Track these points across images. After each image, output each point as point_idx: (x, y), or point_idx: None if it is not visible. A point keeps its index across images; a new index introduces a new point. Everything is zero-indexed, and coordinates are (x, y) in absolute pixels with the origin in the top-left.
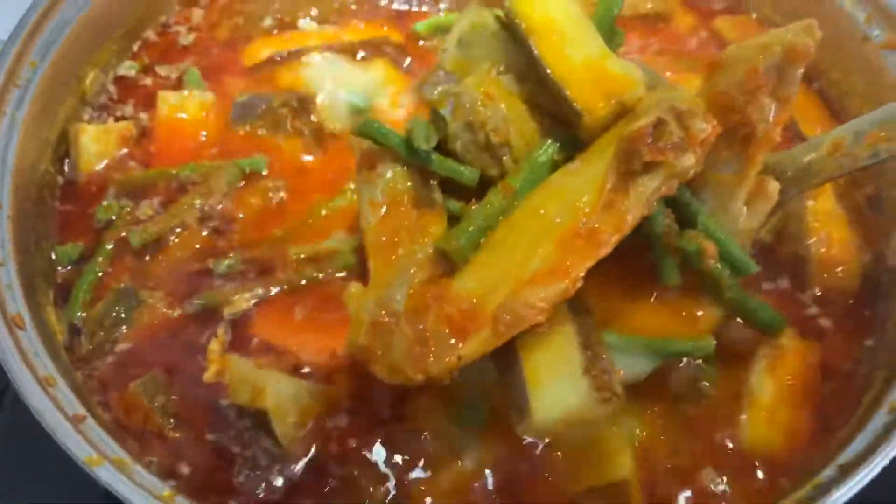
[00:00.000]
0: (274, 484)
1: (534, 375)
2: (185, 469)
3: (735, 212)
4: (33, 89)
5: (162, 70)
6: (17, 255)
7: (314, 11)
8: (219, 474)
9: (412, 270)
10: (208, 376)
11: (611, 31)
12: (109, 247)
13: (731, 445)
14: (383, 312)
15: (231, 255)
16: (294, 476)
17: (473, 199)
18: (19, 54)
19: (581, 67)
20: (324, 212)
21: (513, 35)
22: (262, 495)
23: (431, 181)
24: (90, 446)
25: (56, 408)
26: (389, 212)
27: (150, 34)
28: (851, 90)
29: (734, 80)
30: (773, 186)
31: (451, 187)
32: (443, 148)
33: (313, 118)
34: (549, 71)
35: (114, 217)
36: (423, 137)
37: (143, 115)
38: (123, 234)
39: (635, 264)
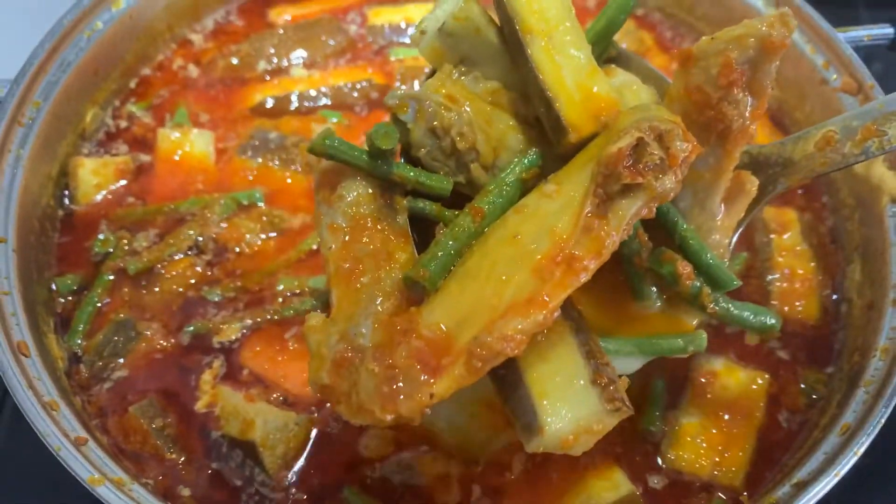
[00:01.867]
0: None
1: (540, 389)
2: (184, 491)
3: (713, 209)
4: (36, 128)
5: (157, 108)
6: (20, 286)
7: (304, 53)
8: (216, 497)
9: (378, 300)
10: (200, 406)
11: (607, 40)
12: (108, 277)
13: (662, 465)
14: (347, 347)
15: (224, 282)
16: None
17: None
18: (24, 94)
19: (573, 81)
20: (314, 246)
21: (505, 35)
22: None
23: (396, 203)
24: (92, 467)
25: (59, 431)
26: (352, 236)
27: (147, 72)
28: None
29: (708, 74)
30: (752, 182)
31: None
32: (408, 157)
33: None
34: (540, 78)
35: (111, 249)
36: (381, 135)
37: (142, 153)
38: (121, 264)
39: (618, 276)
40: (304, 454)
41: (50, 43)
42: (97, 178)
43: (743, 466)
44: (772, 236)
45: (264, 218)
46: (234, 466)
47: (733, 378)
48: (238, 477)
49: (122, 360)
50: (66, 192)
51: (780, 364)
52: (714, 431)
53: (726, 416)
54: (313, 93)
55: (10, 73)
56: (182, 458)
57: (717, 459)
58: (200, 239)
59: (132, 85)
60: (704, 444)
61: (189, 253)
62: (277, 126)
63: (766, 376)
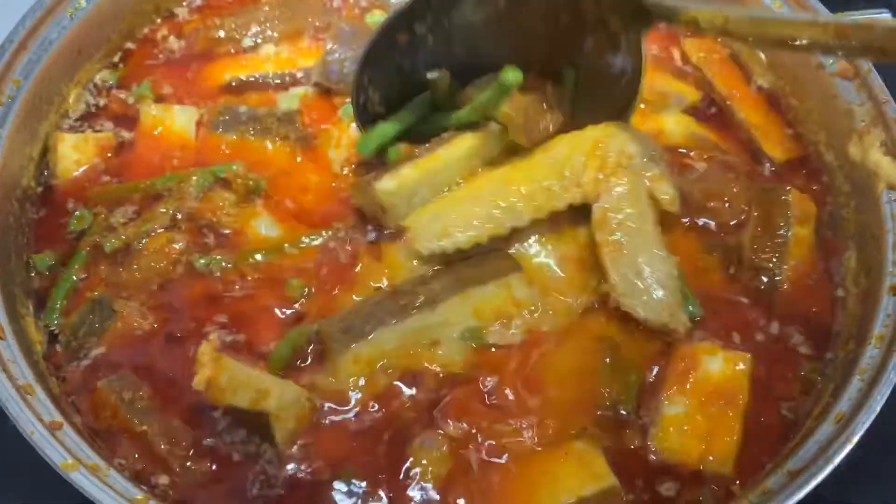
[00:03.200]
0: (269, 488)
1: None
2: (161, 479)
3: None
4: (16, 107)
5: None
6: None
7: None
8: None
9: None
10: (199, 381)
11: None
12: (84, 252)
13: (653, 458)
14: None
15: (214, 254)
16: (288, 482)
17: None
18: (3, 72)
19: None
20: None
21: None
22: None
23: None
24: (66, 452)
25: (33, 415)
26: None
27: (130, 45)
28: (807, 116)
29: None
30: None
31: None
32: None
33: (298, 126)
34: None
35: (87, 227)
36: None
37: (124, 130)
38: (98, 240)
39: None
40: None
41: (31, 20)
42: (77, 153)
43: (732, 453)
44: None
45: (246, 185)
46: (237, 442)
47: (715, 361)
48: (239, 453)
49: (98, 340)
50: (46, 168)
51: (775, 350)
52: (699, 418)
53: (710, 402)
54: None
55: None
56: (154, 431)
57: (704, 447)
58: (179, 216)
59: (115, 59)
60: (690, 432)
61: (167, 228)
62: (244, 101)
63: (749, 357)
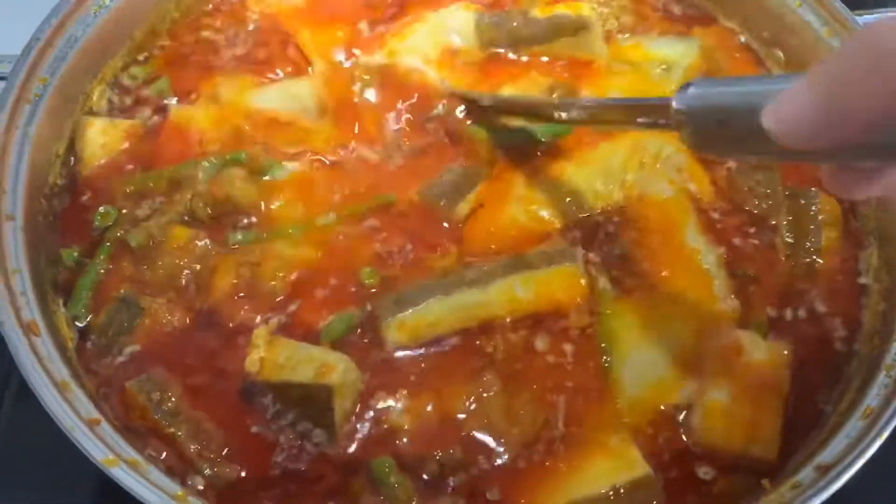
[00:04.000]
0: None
1: None
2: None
3: None
4: (44, 104)
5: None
6: (29, 265)
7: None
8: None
9: None
10: (250, 364)
11: None
12: (107, 245)
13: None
14: None
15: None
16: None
17: None
18: (30, 70)
19: None
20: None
21: None
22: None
23: None
24: (106, 448)
25: (72, 411)
26: None
27: (156, 50)
28: None
29: None
30: None
31: None
32: None
33: None
34: None
35: (111, 223)
36: None
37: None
38: (120, 234)
39: None
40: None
41: (56, 18)
42: (105, 138)
43: (776, 440)
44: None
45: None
46: (285, 426)
47: (758, 349)
48: (286, 437)
49: (128, 338)
50: (72, 158)
51: (805, 339)
52: (743, 404)
53: (753, 389)
54: None
55: (16, 49)
56: (183, 433)
57: (748, 433)
58: (200, 203)
59: (141, 58)
60: (734, 418)
61: (185, 219)
62: None
63: (790, 346)
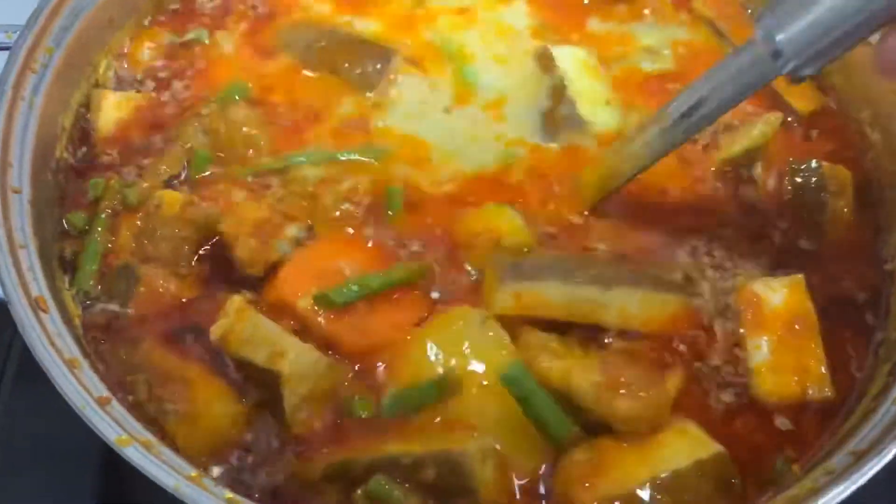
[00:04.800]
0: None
1: None
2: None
3: None
4: (49, 75)
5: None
6: (35, 240)
7: None
8: None
9: None
10: (215, 329)
11: None
12: (103, 216)
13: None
14: None
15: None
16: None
17: None
18: (36, 39)
19: None
20: None
21: None
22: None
23: None
24: (119, 427)
25: (84, 389)
26: None
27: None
28: (851, 92)
29: None
30: None
31: None
32: None
33: None
34: None
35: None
36: None
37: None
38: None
39: None
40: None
41: None
42: (119, 112)
43: (826, 375)
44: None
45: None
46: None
47: (774, 291)
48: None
49: (125, 306)
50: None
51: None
52: (784, 350)
53: (787, 331)
54: None
55: (20, 19)
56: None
57: (797, 378)
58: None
59: (146, 22)
60: (782, 367)
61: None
62: None
63: (801, 276)
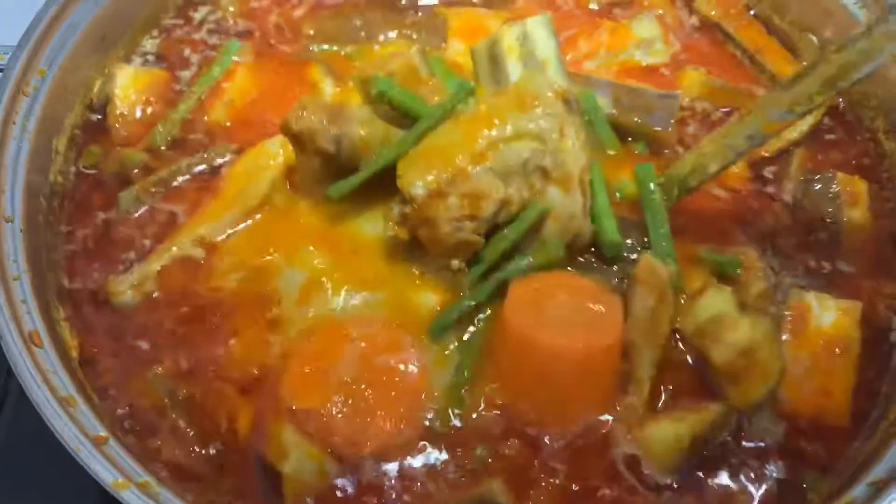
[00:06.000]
0: None
1: None
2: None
3: None
4: (42, 98)
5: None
6: (30, 270)
7: None
8: None
9: None
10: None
11: None
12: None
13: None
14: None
15: None
16: None
17: None
18: (28, 61)
19: None
20: None
21: None
22: None
23: None
24: (116, 469)
25: (78, 429)
26: None
27: (152, 39)
28: (864, 101)
29: None
30: None
31: None
32: None
33: None
34: None
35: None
36: None
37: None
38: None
39: None
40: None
41: (55, 6)
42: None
43: (848, 404)
44: (842, 207)
45: None
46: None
47: (826, 310)
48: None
49: None
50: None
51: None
52: (814, 368)
53: (825, 352)
54: None
55: (12, 41)
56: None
57: (821, 399)
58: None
59: (144, 48)
60: (807, 383)
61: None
62: None
63: (860, 304)
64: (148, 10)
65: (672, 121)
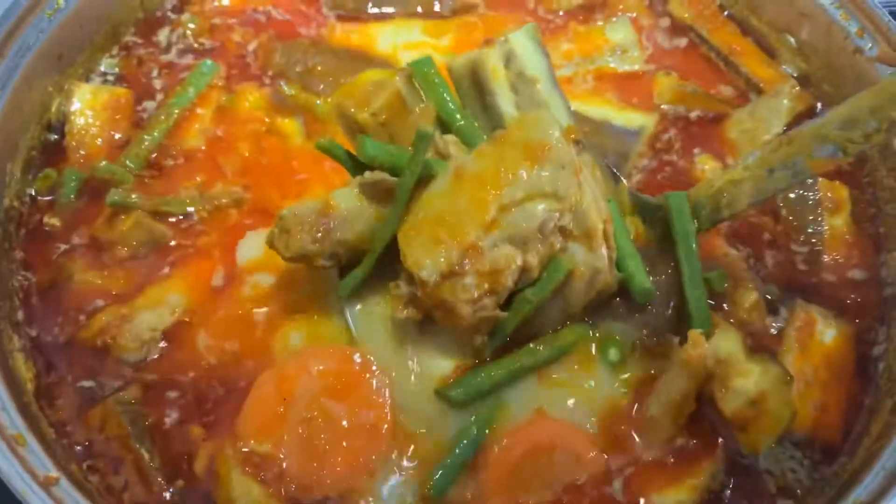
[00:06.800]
0: None
1: None
2: None
3: None
4: None
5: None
6: None
7: None
8: None
9: None
10: (199, 468)
11: None
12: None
13: None
14: None
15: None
16: None
17: None
18: None
19: None
20: None
21: None
22: None
23: None
24: None
25: (25, 471)
26: None
27: (111, 58)
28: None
29: None
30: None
31: None
32: None
33: None
34: None
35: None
36: None
37: None
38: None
39: None
40: None
41: (6, 25)
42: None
43: (840, 423)
44: (823, 215)
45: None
46: None
47: (829, 327)
48: None
49: None
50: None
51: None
52: (812, 385)
53: (825, 367)
54: None
55: None
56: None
57: (815, 415)
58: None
59: (102, 68)
60: (804, 399)
61: None
62: None
63: (855, 323)
64: (106, 28)
65: (629, 161)
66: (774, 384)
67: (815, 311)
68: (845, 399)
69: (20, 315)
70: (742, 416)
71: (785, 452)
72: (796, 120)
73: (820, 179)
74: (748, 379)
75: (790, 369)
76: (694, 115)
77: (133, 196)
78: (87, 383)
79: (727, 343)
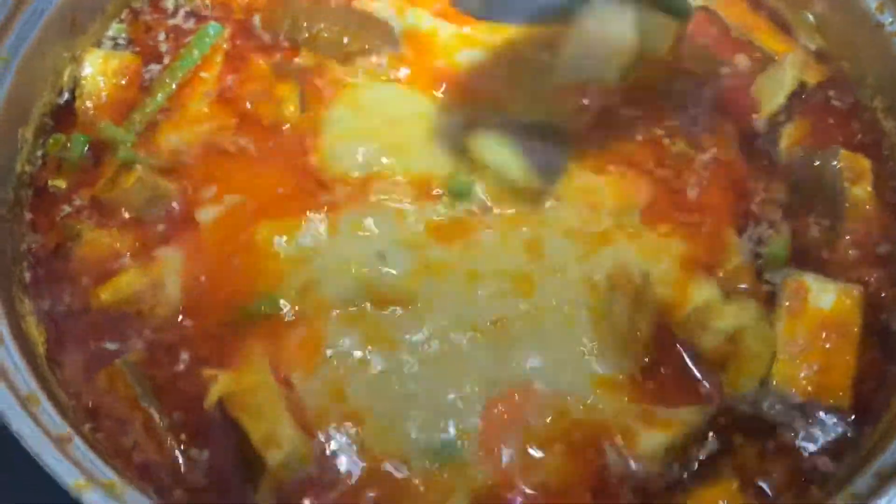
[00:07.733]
0: None
1: None
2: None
3: None
4: (7, 87)
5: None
6: None
7: None
8: None
9: None
10: (209, 402)
11: None
12: None
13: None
14: None
15: None
16: None
17: None
18: None
19: None
20: None
21: None
22: None
23: None
24: (78, 470)
25: (40, 430)
26: None
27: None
28: (861, 80)
29: None
30: None
31: None
32: None
33: None
34: None
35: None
36: None
37: None
38: None
39: None
40: None
41: None
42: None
43: (848, 386)
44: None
45: None
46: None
47: (826, 292)
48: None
49: None
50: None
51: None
52: (812, 348)
53: (823, 331)
54: None
55: None
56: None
57: (816, 379)
58: None
59: (110, 33)
60: (804, 362)
61: None
62: None
63: (860, 288)
64: None
65: None
66: (751, 320)
67: (811, 278)
68: (854, 365)
69: (30, 277)
70: (721, 353)
71: (791, 412)
72: (802, 90)
73: (842, 150)
74: (725, 318)
75: (779, 335)
76: None
77: (141, 154)
78: (100, 345)
79: (704, 291)
